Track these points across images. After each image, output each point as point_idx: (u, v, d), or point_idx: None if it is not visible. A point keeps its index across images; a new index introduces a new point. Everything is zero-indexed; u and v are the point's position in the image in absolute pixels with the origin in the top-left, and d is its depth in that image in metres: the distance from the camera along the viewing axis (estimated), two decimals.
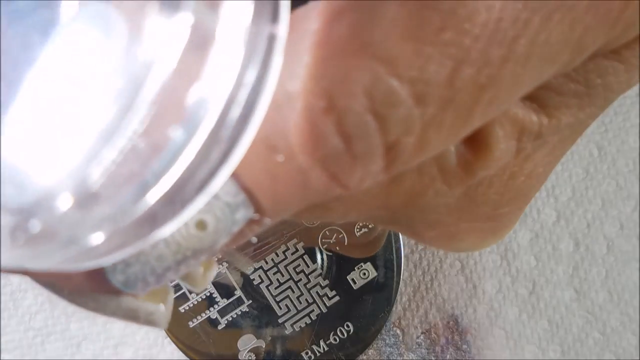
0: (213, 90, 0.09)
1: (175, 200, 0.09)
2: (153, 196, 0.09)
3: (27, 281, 0.28)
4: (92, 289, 0.12)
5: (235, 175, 0.10)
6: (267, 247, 0.27)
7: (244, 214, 0.11)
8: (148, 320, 0.13)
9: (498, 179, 0.14)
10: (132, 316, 0.13)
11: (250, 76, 0.09)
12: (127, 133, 0.08)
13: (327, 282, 0.28)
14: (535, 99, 0.13)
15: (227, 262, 0.27)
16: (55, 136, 0.08)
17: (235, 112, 0.09)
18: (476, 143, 0.13)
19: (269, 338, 0.27)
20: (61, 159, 0.08)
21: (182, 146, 0.09)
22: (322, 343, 0.27)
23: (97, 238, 0.09)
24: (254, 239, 0.13)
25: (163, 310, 0.13)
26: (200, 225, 0.11)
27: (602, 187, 0.29)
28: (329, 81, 0.10)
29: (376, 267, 0.28)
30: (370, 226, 0.27)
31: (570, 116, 0.13)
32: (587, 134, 0.30)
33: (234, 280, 0.27)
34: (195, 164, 0.09)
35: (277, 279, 0.27)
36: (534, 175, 0.15)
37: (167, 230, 0.10)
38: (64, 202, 0.09)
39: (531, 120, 0.13)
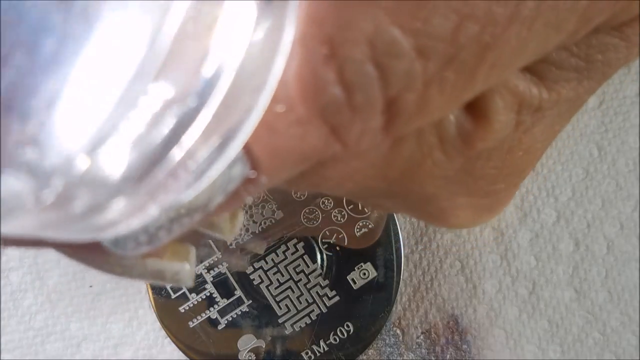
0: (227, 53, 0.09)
1: (192, 162, 0.09)
2: (173, 158, 0.09)
3: (27, 281, 0.28)
4: (94, 256, 0.12)
5: None
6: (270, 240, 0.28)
7: (240, 170, 0.10)
8: (174, 279, 0.13)
9: (497, 152, 0.14)
10: (159, 277, 0.13)
11: (264, 29, 0.09)
12: (145, 96, 0.08)
13: (327, 282, 0.28)
14: (535, 72, 0.13)
15: (226, 262, 0.27)
16: (75, 97, 0.08)
17: (251, 70, 0.09)
18: (476, 113, 0.13)
19: (269, 338, 0.27)
20: (81, 121, 0.08)
21: (198, 108, 0.09)
22: (322, 343, 0.27)
23: (117, 203, 0.09)
24: (249, 200, 0.12)
25: (188, 268, 0.13)
26: None
27: (602, 187, 0.29)
28: (330, 28, 0.09)
29: (376, 267, 0.28)
30: (370, 226, 0.27)
31: (570, 90, 0.13)
32: (587, 133, 0.30)
33: (233, 280, 0.27)
34: (212, 126, 0.09)
35: (277, 279, 0.27)
36: (532, 151, 0.14)
37: (189, 194, 0.09)
38: (84, 164, 0.08)
39: (531, 92, 0.13)
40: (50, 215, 0.09)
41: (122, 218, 0.09)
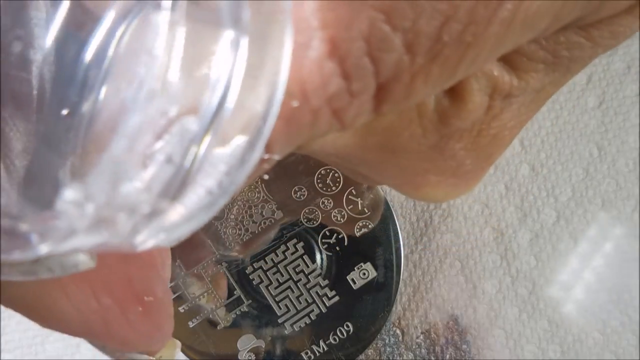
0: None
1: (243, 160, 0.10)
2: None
3: None
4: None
5: None
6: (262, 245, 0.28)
7: (258, 156, 0.11)
8: None
9: (467, 134, 0.15)
10: None
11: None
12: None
13: (326, 282, 0.28)
14: (508, 61, 0.14)
15: (224, 261, 0.27)
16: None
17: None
18: (454, 93, 0.14)
19: (269, 338, 0.27)
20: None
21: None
22: (321, 343, 0.27)
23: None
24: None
25: None
26: None
27: (602, 187, 0.29)
28: (332, 29, 0.11)
29: (376, 267, 0.28)
30: (370, 226, 0.27)
31: (537, 80, 0.15)
32: (587, 133, 0.30)
33: (232, 280, 0.27)
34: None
35: (277, 279, 0.27)
36: (500, 137, 0.16)
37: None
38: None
39: (504, 79, 0.14)
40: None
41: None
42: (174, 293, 0.27)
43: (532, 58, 0.14)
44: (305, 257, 0.28)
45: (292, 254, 0.28)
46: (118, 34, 0.10)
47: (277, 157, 0.12)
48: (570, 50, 0.14)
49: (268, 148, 0.11)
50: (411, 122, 0.15)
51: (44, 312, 0.16)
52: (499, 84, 0.14)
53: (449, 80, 0.13)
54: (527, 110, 0.16)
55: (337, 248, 0.28)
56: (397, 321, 0.29)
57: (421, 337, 0.29)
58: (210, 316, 0.27)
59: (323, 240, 0.28)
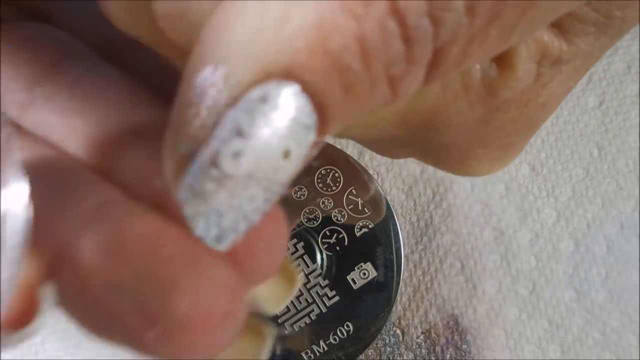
0: None
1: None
2: None
3: None
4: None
5: (309, 93, 0.10)
6: None
7: (313, 136, 0.10)
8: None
9: (515, 105, 0.14)
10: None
11: None
12: None
13: (327, 282, 0.28)
14: (558, 25, 0.14)
15: None
16: None
17: None
18: (501, 61, 0.14)
19: None
20: None
21: None
22: (322, 343, 0.27)
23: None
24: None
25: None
26: (286, 153, 0.10)
27: (602, 187, 0.29)
28: None
29: (376, 267, 0.28)
30: (370, 226, 0.27)
31: (587, 44, 0.14)
32: (587, 133, 0.30)
33: None
34: None
35: None
36: (548, 105, 0.15)
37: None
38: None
39: (553, 44, 0.14)
40: None
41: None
42: None
43: (584, 20, 0.13)
44: (305, 257, 0.28)
45: (292, 254, 0.28)
46: None
47: (325, 139, 0.11)
48: (623, 9, 0.14)
49: (324, 122, 0.10)
50: (457, 98, 0.14)
51: None
52: (548, 49, 0.14)
53: (505, 44, 0.12)
54: (575, 77, 0.15)
55: (337, 248, 0.28)
56: (397, 321, 0.29)
57: (421, 337, 0.29)
58: None
59: (323, 240, 0.28)
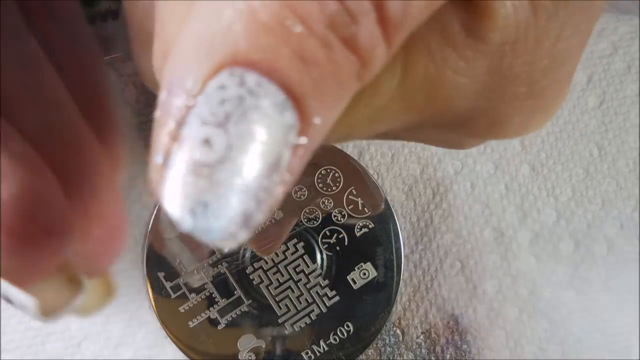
0: None
1: None
2: None
3: None
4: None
5: (263, 71, 0.10)
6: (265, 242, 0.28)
7: (290, 118, 0.10)
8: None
9: (522, 46, 0.13)
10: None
11: None
12: None
13: (327, 282, 0.28)
14: None
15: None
16: None
17: None
18: (475, 6, 0.12)
19: (269, 338, 0.27)
20: None
21: None
22: (322, 343, 0.27)
23: None
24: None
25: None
26: (256, 136, 0.10)
27: (602, 187, 0.29)
28: None
29: (376, 267, 0.28)
30: (370, 226, 0.27)
31: None
32: (587, 133, 0.30)
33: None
34: None
35: (277, 279, 0.27)
36: (564, 38, 0.13)
37: None
38: None
39: None
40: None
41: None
42: (175, 292, 0.27)
43: None
44: (305, 257, 0.28)
45: (292, 254, 0.28)
46: None
47: (317, 121, 0.11)
48: None
49: (300, 107, 0.10)
50: (446, 58, 0.13)
51: None
52: None
53: None
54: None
55: (337, 248, 0.28)
56: (397, 321, 0.29)
57: (421, 337, 0.29)
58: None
59: (323, 240, 0.28)
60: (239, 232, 0.11)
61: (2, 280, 0.13)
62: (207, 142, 0.10)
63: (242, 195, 0.10)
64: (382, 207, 0.28)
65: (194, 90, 0.10)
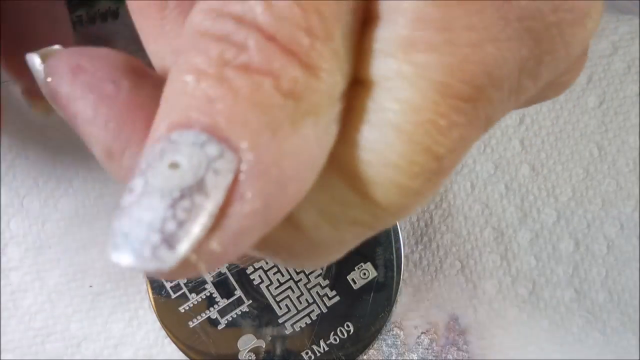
0: None
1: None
2: None
3: (27, 281, 0.28)
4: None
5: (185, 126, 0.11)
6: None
7: (215, 148, 0.11)
8: None
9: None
10: None
11: None
12: None
13: (327, 282, 0.28)
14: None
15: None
16: None
17: None
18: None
19: (269, 338, 0.27)
20: None
21: None
22: (322, 343, 0.27)
23: None
24: None
25: None
26: (173, 165, 0.11)
27: (602, 187, 0.29)
28: None
29: (376, 267, 0.28)
30: None
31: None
32: (587, 133, 0.30)
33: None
34: None
35: (277, 279, 0.27)
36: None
37: None
38: None
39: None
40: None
41: None
42: (175, 292, 0.27)
43: None
44: None
45: None
46: None
47: (245, 145, 0.11)
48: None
49: (225, 138, 0.11)
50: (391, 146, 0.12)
51: None
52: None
53: None
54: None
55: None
56: (397, 321, 0.29)
57: (421, 337, 0.29)
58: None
59: None
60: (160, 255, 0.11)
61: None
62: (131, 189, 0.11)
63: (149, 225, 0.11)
64: None
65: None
